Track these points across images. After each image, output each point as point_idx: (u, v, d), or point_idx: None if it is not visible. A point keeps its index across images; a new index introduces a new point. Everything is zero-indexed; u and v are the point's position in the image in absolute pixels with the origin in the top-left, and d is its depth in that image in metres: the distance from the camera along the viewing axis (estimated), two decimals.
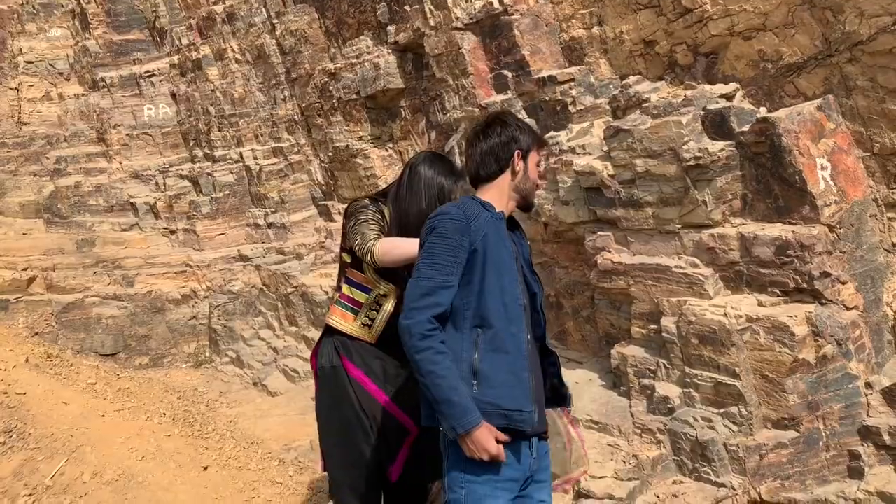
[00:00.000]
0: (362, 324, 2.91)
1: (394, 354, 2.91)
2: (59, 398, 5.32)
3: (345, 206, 7.23)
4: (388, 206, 2.88)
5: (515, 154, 2.41)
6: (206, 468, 4.41)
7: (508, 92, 5.42)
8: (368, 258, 2.73)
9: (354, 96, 6.81)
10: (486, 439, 2.14)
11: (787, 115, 3.73)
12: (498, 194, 2.42)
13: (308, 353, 6.54)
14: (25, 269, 7.82)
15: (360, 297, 2.91)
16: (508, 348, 2.24)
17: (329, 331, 2.98)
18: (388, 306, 2.90)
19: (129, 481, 4.16)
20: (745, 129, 3.85)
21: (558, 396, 2.52)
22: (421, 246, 2.33)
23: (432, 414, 2.22)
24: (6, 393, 5.13)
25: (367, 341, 2.92)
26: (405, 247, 2.67)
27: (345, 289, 2.95)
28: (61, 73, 10.46)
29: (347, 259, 2.95)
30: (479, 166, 2.44)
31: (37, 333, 7.26)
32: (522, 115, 5.35)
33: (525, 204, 2.48)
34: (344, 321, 2.92)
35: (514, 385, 2.22)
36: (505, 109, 2.64)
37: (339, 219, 7.28)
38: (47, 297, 7.57)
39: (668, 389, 4.03)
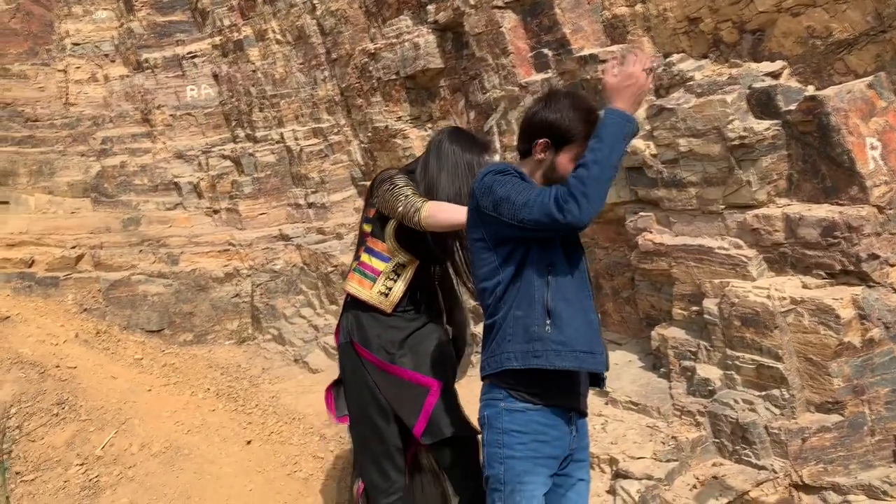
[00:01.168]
0: (379, 292, 2.93)
1: (411, 324, 2.95)
2: (107, 372, 5.49)
3: None
4: (416, 182, 2.89)
5: (542, 142, 2.27)
6: (249, 442, 4.52)
7: (549, 71, 5.37)
8: (416, 219, 2.71)
9: (394, 76, 6.82)
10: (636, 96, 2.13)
11: (835, 94, 3.64)
12: (529, 172, 2.33)
13: None
14: (74, 247, 8.03)
15: (379, 265, 2.93)
16: (576, 295, 2.25)
17: (347, 305, 3.03)
18: (408, 275, 2.92)
19: (176, 454, 4.28)
20: (792, 107, 3.77)
21: (594, 377, 2.46)
22: (490, 202, 2.22)
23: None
24: (58, 366, 5.31)
25: (383, 310, 2.94)
26: (454, 212, 2.66)
27: (364, 257, 2.97)
28: (106, 55, 10.63)
29: (368, 229, 2.98)
30: (517, 140, 2.39)
31: (85, 309, 7.47)
32: None
33: None
34: (361, 287, 2.95)
35: (586, 327, 2.23)
36: (571, 90, 2.49)
37: None
38: (95, 274, 7.76)
39: (708, 371, 4.00)
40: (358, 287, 2.95)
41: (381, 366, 2.88)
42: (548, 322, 2.17)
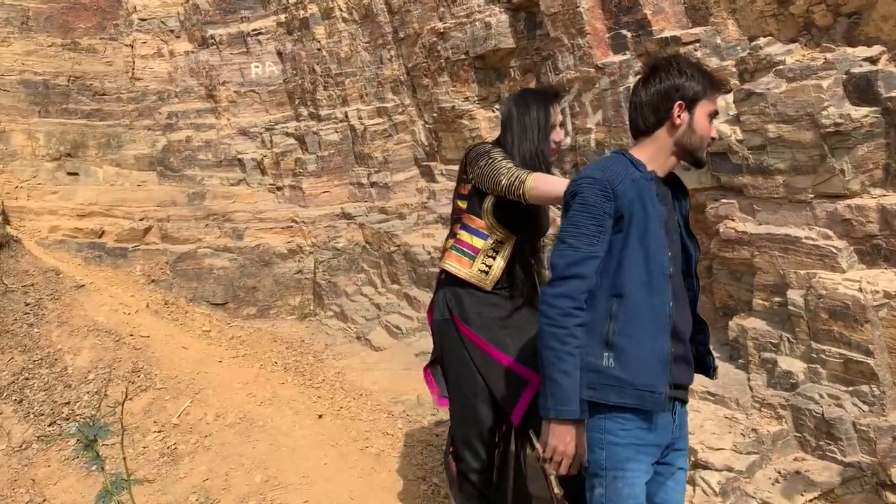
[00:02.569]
0: (479, 269, 2.90)
1: (509, 301, 2.93)
2: (178, 343, 5.61)
3: (448, 167, 7.29)
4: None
5: (676, 105, 2.19)
6: (320, 416, 4.58)
7: (627, 52, 5.27)
8: (521, 191, 2.68)
9: (463, 56, 6.77)
10: (568, 436, 2.10)
11: None
12: (655, 150, 2.24)
13: (410, 311, 6.66)
14: (142, 219, 8.20)
15: (478, 242, 2.90)
16: (648, 322, 2.12)
17: (441, 282, 3.00)
18: (506, 252, 2.90)
19: (251, 425, 4.35)
20: (894, 94, 3.63)
21: (703, 366, 2.41)
22: (564, 211, 2.23)
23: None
24: (132, 335, 5.44)
25: (482, 288, 2.92)
26: (557, 184, 2.63)
27: (462, 234, 2.94)
28: (172, 31, 10.77)
29: (463, 205, 2.94)
30: (637, 117, 2.26)
31: (153, 281, 7.63)
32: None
33: (693, 160, 2.27)
34: (460, 266, 2.91)
35: (650, 362, 2.11)
36: (675, 54, 2.37)
37: (442, 180, 7.31)
38: (162, 246, 7.92)
39: (791, 364, 3.90)
40: (457, 265, 2.92)
41: (482, 345, 2.87)
42: (605, 355, 2.12)
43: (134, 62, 10.63)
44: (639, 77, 2.33)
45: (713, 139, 2.27)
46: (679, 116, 2.20)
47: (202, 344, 5.79)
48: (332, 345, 6.60)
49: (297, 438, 4.23)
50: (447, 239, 3.06)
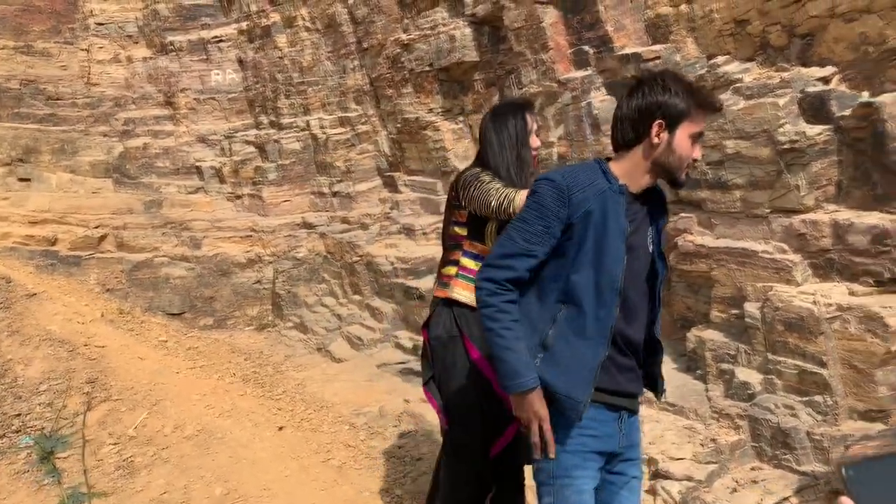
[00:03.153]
0: None
1: None
2: (135, 353, 5.49)
3: (411, 177, 7.30)
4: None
5: (656, 123, 2.12)
6: (281, 428, 4.52)
7: (589, 68, 5.36)
8: (510, 209, 2.68)
9: (427, 68, 6.80)
10: (533, 404, 2.12)
11: (892, 101, 3.62)
12: (631, 166, 2.19)
13: (372, 322, 6.63)
14: (97, 227, 8.02)
15: None
16: (589, 333, 2.12)
17: (447, 302, 2.96)
18: None
19: (210, 437, 4.28)
20: (846, 113, 3.75)
21: (652, 388, 2.40)
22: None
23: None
24: (87, 345, 5.31)
25: None
26: None
27: (465, 261, 2.92)
28: (130, 36, 10.61)
29: (463, 232, 2.93)
30: (617, 131, 2.21)
31: (108, 290, 7.47)
32: (602, 92, 5.30)
33: (670, 180, 2.20)
34: (470, 293, 2.79)
35: (577, 373, 2.12)
36: (664, 70, 2.31)
37: (405, 190, 7.32)
38: (118, 255, 7.76)
39: (748, 375, 3.99)
40: (465, 293, 2.88)
41: (485, 371, 2.83)
42: (539, 356, 2.15)
43: (90, 67, 10.43)
44: (626, 89, 2.28)
45: (695, 160, 2.20)
46: (658, 136, 2.14)
47: (159, 354, 5.67)
48: (291, 356, 6.53)
49: (258, 451, 4.17)
50: (447, 267, 3.01)
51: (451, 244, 3.02)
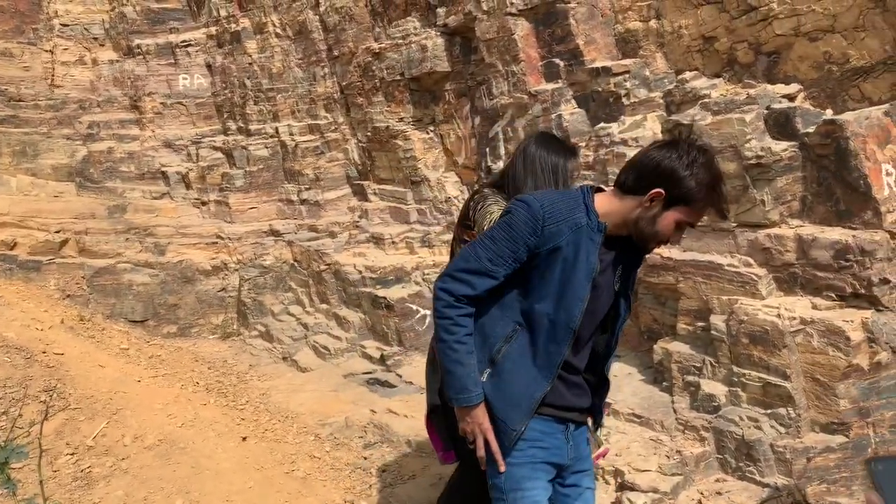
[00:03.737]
0: None
1: None
2: (95, 361, 5.38)
3: (381, 186, 7.26)
4: (506, 191, 2.83)
5: (655, 191, 2.03)
6: (244, 438, 4.45)
7: (559, 81, 5.39)
8: None
9: (398, 77, 6.79)
10: (477, 417, 2.14)
11: (854, 119, 3.70)
12: (617, 209, 2.12)
13: (339, 331, 6.57)
14: (58, 232, 7.85)
15: None
16: (537, 361, 2.14)
17: None
18: None
19: (171, 447, 4.19)
20: (810, 130, 3.82)
21: (592, 417, 2.44)
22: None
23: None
24: (45, 352, 5.18)
25: None
26: None
27: None
28: (96, 38, 10.43)
29: None
30: (625, 171, 2.14)
31: (68, 296, 7.30)
32: (572, 104, 5.33)
33: (637, 241, 2.14)
34: None
35: (517, 402, 2.14)
36: (707, 149, 2.13)
37: (375, 199, 7.30)
38: (79, 260, 7.59)
39: (713, 387, 4.02)
40: None
41: None
42: (487, 371, 2.16)
43: (54, 68, 10.23)
44: (662, 136, 2.22)
45: (667, 242, 2.17)
46: (650, 202, 2.06)
47: (120, 363, 5.56)
48: (256, 365, 6.44)
49: (221, 461, 4.09)
50: None
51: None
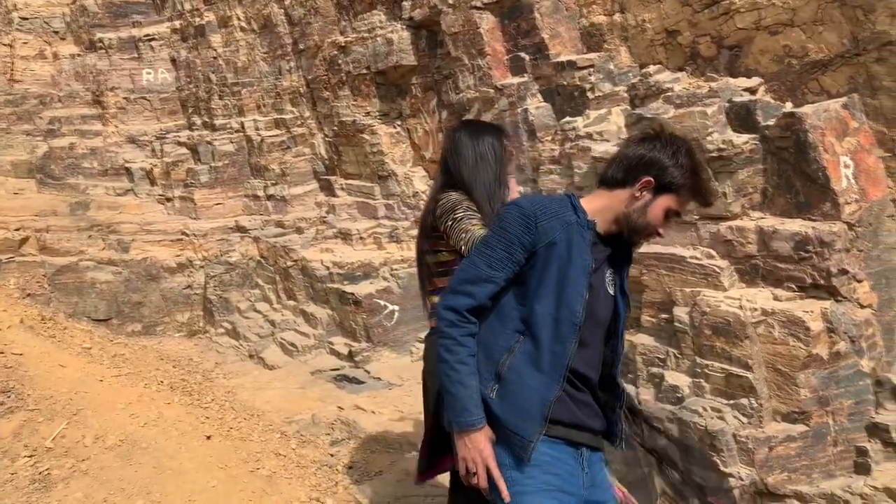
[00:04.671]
0: None
1: None
2: (55, 361, 5.26)
3: (348, 181, 7.21)
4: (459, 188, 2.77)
5: (645, 179, 2.10)
6: (208, 437, 4.39)
7: (525, 75, 5.39)
8: None
9: (364, 71, 6.74)
10: (478, 443, 2.05)
11: (813, 112, 3.74)
12: (604, 206, 2.15)
13: (306, 328, 6.52)
14: (18, 229, 7.69)
15: None
16: (544, 367, 2.06)
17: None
18: None
19: (133, 447, 4.12)
20: (771, 123, 3.86)
21: (609, 433, 2.29)
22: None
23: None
24: (2, 353, 5.07)
25: None
26: None
27: None
28: (56, 32, 10.23)
29: (451, 257, 2.80)
30: (610, 167, 2.17)
31: (29, 295, 7.15)
32: (538, 98, 5.33)
33: (628, 235, 2.17)
34: None
35: (529, 410, 2.05)
36: (686, 139, 2.20)
37: (342, 194, 7.25)
38: (40, 258, 7.45)
39: (677, 379, 4.05)
40: None
41: None
42: (495, 387, 2.09)
43: (13, 63, 10.02)
44: (640, 131, 2.25)
45: (658, 234, 2.19)
46: (641, 191, 2.11)
47: (82, 362, 5.45)
48: (222, 363, 6.37)
49: (184, 461, 4.03)
50: (433, 296, 2.88)
51: (438, 270, 2.87)
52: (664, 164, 2.09)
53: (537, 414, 2.05)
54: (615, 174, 2.15)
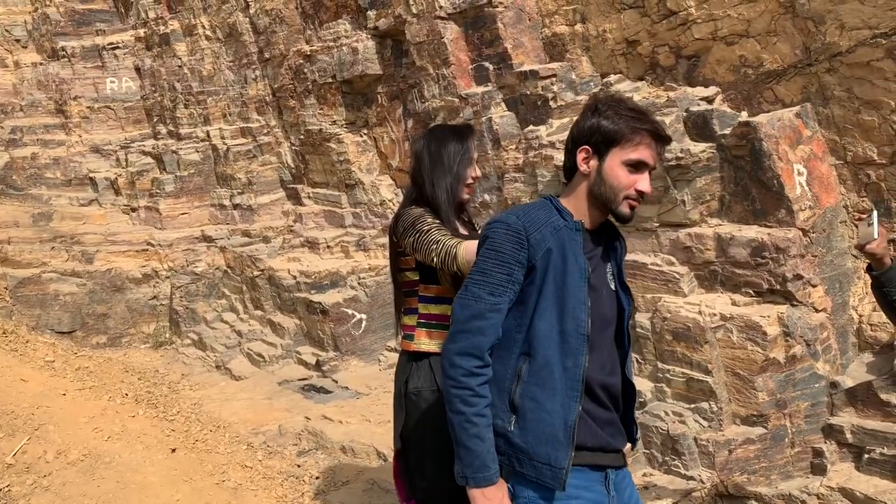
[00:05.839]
0: None
1: None
2: (17, 375, 5.19)
3: (315, 190, 7.20)
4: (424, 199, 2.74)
5: (581, 150, 1.99)
6: (174, 450, 4.36)
7: (489, 84, 5.44)
8: (454, 265, 2.51)
9: (330, 80, 6.74)
10: (498, 496, 1.93)
11: (767, 121, 3.83)
12: (575, 199, 2.04)
13: (273, 338, 6.49)
14: None
15: (444, 309, 2.67)
16: (557, 385, 1.93)
17: (415, 355, 2.73)
18: None
19: (96, 462, 4.08)
20: (727, 132, 3.94)
21: (628, 433, 2.20)
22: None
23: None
24: None
25: None
26: None
27: (424, 308, 2.74)
28: (18, 40, 10.09)
29: (415, 277, 2.75)
30: (564, 160, 2.08)
31: None
32: (502, 107, 5.39)
33: (611, 213, 2.01)
34: (432, 339, 2.69)
35: (554, 431, 1.93)
36: (616, 95, 2.02)
37: (309, 203, 7.23)
38: (1, 270, 7.31)
39: (639, 384, 4.10)
40: (428, 341, 2.70)
41: None
42: (512, 418, 1.96)
43: None
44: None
45: (641, 193, 1.99)
46: (585, 163, 2.00)
47: (44, 376, 5.38)
48: (189, 375, 6.31)
49: (148, 475, 4.00)
50: (407, 316, 2.82)
51: (404, 291, 2.84)
52: (589, 125, 1.99)
53: (563, 438, 1.93)
54: (565, 165, 2.09)
